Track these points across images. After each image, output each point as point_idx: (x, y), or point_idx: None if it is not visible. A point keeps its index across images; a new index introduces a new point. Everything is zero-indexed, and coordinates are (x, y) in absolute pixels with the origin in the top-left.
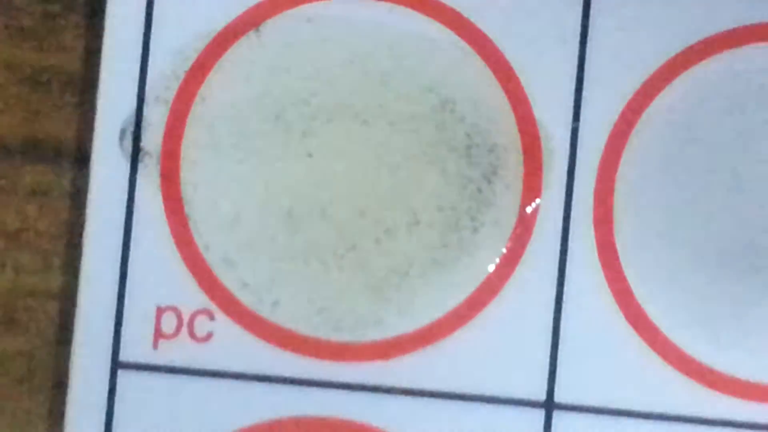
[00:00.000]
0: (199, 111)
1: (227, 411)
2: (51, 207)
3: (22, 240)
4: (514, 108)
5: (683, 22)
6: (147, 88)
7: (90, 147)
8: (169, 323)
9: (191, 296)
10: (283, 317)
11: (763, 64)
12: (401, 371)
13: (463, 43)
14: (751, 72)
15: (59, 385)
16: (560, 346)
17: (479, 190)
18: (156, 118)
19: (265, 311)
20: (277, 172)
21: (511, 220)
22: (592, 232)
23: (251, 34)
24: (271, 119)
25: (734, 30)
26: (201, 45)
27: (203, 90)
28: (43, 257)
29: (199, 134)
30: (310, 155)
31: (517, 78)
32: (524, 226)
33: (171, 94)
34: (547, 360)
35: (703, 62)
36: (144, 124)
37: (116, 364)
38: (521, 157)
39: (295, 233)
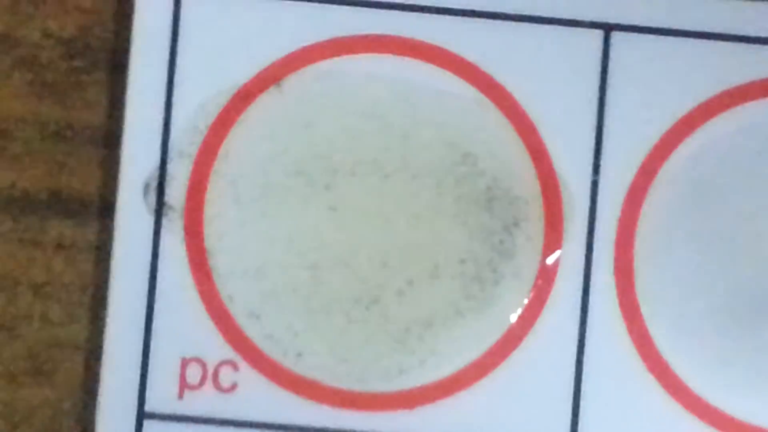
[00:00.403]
0: (222, 165)
1: None
2: (76, 260)
3: (49, 292)
4: (535, 161)
5: (701, 75)
6: (170, 142)
7: (114, 201)
8: (194, 374)
9: (216, 347)
10: (307, 368)
11: None
12: (425, 421)
13: (482, 97)
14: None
15: None
16: (582, 396)
17: (501, 242)
18: (179, 173)
19: (289, 362)
20: (300, 226)
21: (532, 271)
22: (613, 283)
23: (273, 89)
24: (294, 173)
25: (753, 83)
26: (224, 100)
27: (226, 144)
28: (69, 309)
29: (222, 188)
30: (333, 209)
31: (537, 131)
32: (546, 278)
33: (194, 149)
34: (570, 409)
35: (722, 115)
36: (168, 178)
37: (142, 415)
38: (542, 209)
39: (319, 285)
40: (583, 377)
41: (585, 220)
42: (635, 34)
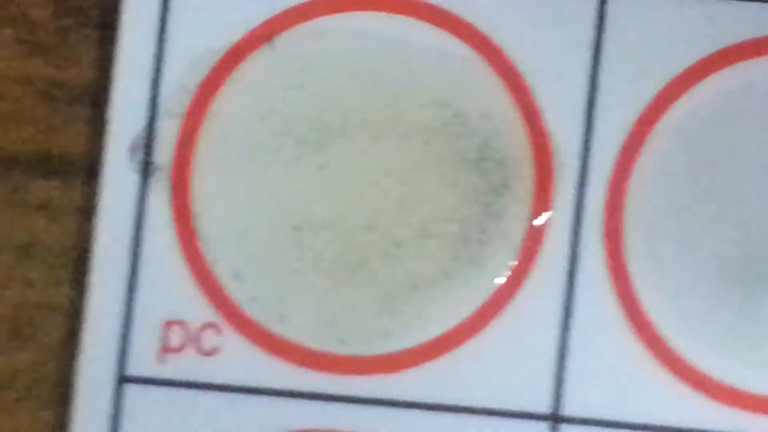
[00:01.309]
0: (210, 125)
1: (234, 425)
2: (60, 221)
3: (31, 254)
4: (526, 121)
5: (695, 35)
6: (159, 101)
7: (100, 161)
8: (175, 337)
9: (199, 310)
10: (291, 331)
11: None
12: (408, 384)
13: (475, 56)
14: (763, 84)
15: (65, 398)
16: (567, 360)
17: (489, 203)
18: (168, 132)
19: (272, 325)
20: (287, 186)
21: (520, 233)
22: (602, 246)
23: (264, 47)
24: (283, 133)
25: (747, 42)
26: (214, 59)
27: (215, 104)
28: (52, 271)
29: (210, 148)
30: (321, 169)
31: (530, 91)
32: (534, 239)
33: (183, 108)
34: (554, 373)
35: (714, 75)
36: (155, 137)
37: (122, 378)
38: (532, 170)
39: (304, 247)
40: (570, 340)
41: (575, 182)
42: None
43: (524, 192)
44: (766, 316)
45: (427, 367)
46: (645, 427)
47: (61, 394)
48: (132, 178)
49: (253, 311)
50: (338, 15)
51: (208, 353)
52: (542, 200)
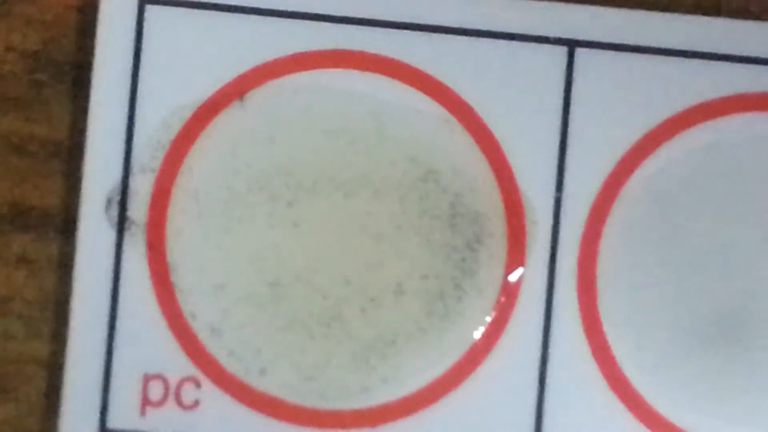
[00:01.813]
0: (184, 180)
1: None
2: (38, 275)
3: (10, 307)
4: (498, 178)
5: (665, 92)
6: (133, 157)
7: (76, 215)
8: (156, 390)
9: (178, 364)
10: (270, 385)
11: (745, 134)
12: None
13: (446, 113)
14: (732, 142)
15: None
16: (544, 413)
17: (463, 259)
18: (142, 188)
19: (251, 379)
20: (262, 242)
21: (495, 288)
22: (576, 301)
23: (236, 104)
24: (257, 189)
25: (715, 100)
26: (186, 115)
27: (189, 160)
28: (31, 325)
29: (184, 203)
30: (295, 225)
31: (501, 149)
32: (508, 295)
33: (157, 164)
34: (533, 427)
35: (685, 132)
36: (130, 193)
37: (104, 431)
38: (505, 227)
39: (281, 302)
40: (546, 395)
41: (548, 238)
42: (599, 51)
43: (498, 248)
44: (738, 373)
45: (406, 421)
46: None
47: None
48: (108, 233)
49: (231, 365)
50: (310, 72)
51: (189, 407)
52: (516, 256)
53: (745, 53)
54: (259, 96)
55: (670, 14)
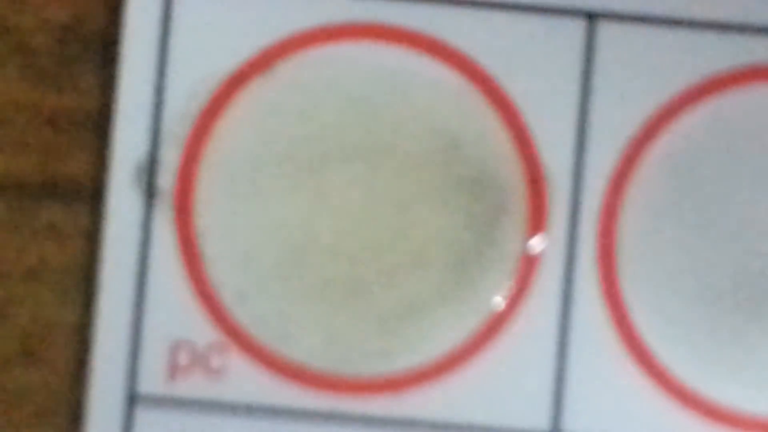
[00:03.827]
0: (212, 150)
1: None
2: (68, 244)
3: (40, 276)
4: (519, 148)
5: (684, 63)
6: (161, 127)
7: (105, 186)
8: (184, 357)
9: (205, 331)
10: (295, 351)
11: (764, 104)
12: (410, 404)
13: (469, 85)
14: (752, 111)
15: (77, 418)
16: (565, 379)
17: (484, 229)
18: (170, 157)
19: (277, 346)
20: (288, 211)
21: (516, 256)
22: (596, 268)
23: (262, 76)
24: (283, 159)
25: (736, 70)
26: (214, 86)
27: (216, 130)
28: (61, 293)
29: (212, 173)
30: (321, 194)
31: (522, 119)
32: (529, 263)
33: (185, 134)
34: (553, 392)
35: (705, 102)
36: (159, 162)
37: (132, 397)
38: (526, 196)
39: (305, 270)
40: (566, 363)
41: (568, 208)
42: (619, 22)
43: (519, 217)
44: (758, 339)
45: (427, 386)
46: None
47: (72, 413)
48: (136, 203)
49: (257, 332)
50: (336, 44)
51: (216, 373)
52: (537, 225)
53: (766, 23)
54: (285, 68)
55: None
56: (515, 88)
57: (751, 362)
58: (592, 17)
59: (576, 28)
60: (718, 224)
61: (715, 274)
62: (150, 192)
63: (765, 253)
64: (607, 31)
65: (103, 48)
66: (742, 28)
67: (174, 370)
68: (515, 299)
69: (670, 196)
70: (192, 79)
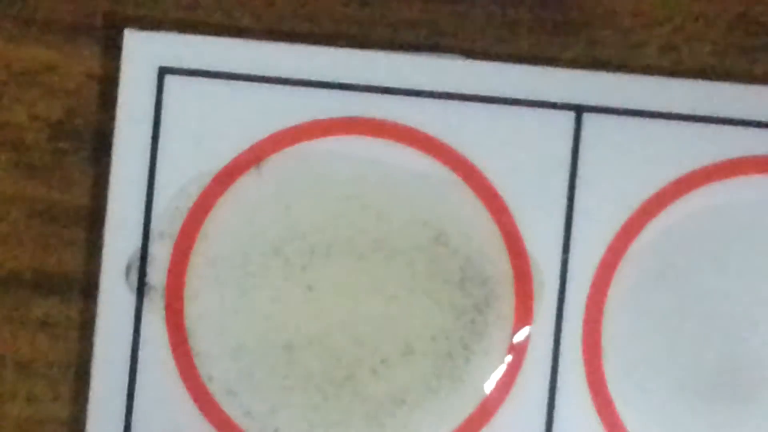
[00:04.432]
0: (202, 246)
1: None
2: (61, 337)
3: (34, 369)
4: (506, 240)
5: (669, 156)
6: (152, 224)
7: (98, 280)
8: None
9: (196, 425)
10: None
11: (745, 197)
12: None
13: (456, 179)
14: (733, 204)
15: None
16: None
17: (472, 321)
18: (161, 253)
19: None
20: (277, 305)
21: (503, 348)
22: (582, 361)
23: (252, 170)
24: (272, 254)
25: (718, 164)
26: (205, 182)
27: (206, 226)
28: (54, 386)
29: (202, 268)
30: (309, 288)
31: (509, 213)
32: (516, 354)
33: (175, 230)
34: None
35: (689, 195)
36: (149, 259)
37: None
38: (513, 288)
39: (295, 363)
40: None
41: (554, 299)
42: (606, 115)
43: (506, 309)
44: (736, 426)
45: None
46: None
47: None
48: (128, 297)
49: (248, 426)
50: (323, 139)
51: None
52: (523, 316)
53: (747, 117)
54: (274, 163)
55: (673, 79)
56: (503, 181)
57: None
58: (579, 110)
59: (564, 121)
60: (701, 315)
61: (698, 364)
62: (141, 288)
63: (746, 342)
64: (594, 125)
65: (95, 144)
66: (725, 121)
67: None
68: (503, 390)
69: (654, 287)
70: (183, 175)
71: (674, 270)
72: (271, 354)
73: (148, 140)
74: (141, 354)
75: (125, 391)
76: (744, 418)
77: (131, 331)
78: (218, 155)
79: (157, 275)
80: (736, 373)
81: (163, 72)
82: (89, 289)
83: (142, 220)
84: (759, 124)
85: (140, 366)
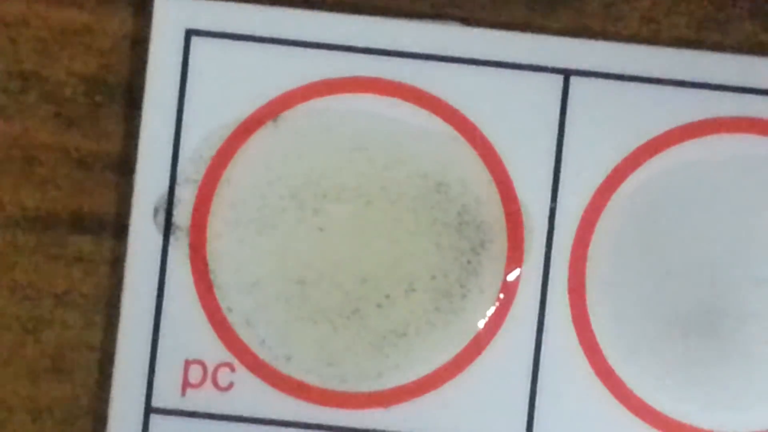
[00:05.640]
0: (224, 190)
1: None
2: (93, 272)
3: (68, 300)
4: (500, 190)
5: (648, 116)
6: (178, 170)
7: (128, 221)
8: (195, 374)
9: (215, 351)
10: (296, 370)
11: (718, 154)
12: (398, 417)
13: (455, 134)
14: (707, 160)
15: (99, 427)
16: (537, 398)
17: (468, 262)
18: (186, 197)
19: (279, 364)
20: (291, 244)
21: (495, 287)
22: (567, 299)
23: (270, 123)
24: (287, 198)
25: (692, 123)
26: (226, 133)
27: (228, 172)
28: (86, 315)
29: (223, 211)
30: (320, 230)
31: (503, 163)
32: (507, 293)
33: (199, 176)
34: (526, 410)
35: (666, 151)
36: (175, 201)
37: (149, 409)
38: (505, 233)
39: (307, 297)
40: (539, 381)
41: (543, 243)
42: (591, 79)
43: (498, 251)
44: (711, 361)
45: (414, 402)
46: None
47: (94, 423)
48: (155, 237)
49: (262, 352)
50: (334, 96)
51: (224, 389)
52: (515, 259)
53: (719, 82)
54: (290, 117)
55: (653, 47)
56: (497, 137)
57: (704, 382)
58: (567, 74)
59: (553, 83)
60: (676, 259)
61: (673, 303)
62: (167, 228)
63: (716, 285)
64: (580, 87)
65: (127, 97)
66: (700, 86)
67: (186, 386)
68: (494, 325)
69: (634, 234)
70: (206, 127)
71: (652, 218)
72: (285, 288)
73: (176, 95)
74: (166, 287)
75: (152, 321)
76: (722, 353)
77: (158, 266)
78: (238, 109)
79: (183, 217)
80: (714, 311)
81: (189, 34)
82: (120, 229)
83: (169, 167)
84: (730, 89)
85: (166, 298)
